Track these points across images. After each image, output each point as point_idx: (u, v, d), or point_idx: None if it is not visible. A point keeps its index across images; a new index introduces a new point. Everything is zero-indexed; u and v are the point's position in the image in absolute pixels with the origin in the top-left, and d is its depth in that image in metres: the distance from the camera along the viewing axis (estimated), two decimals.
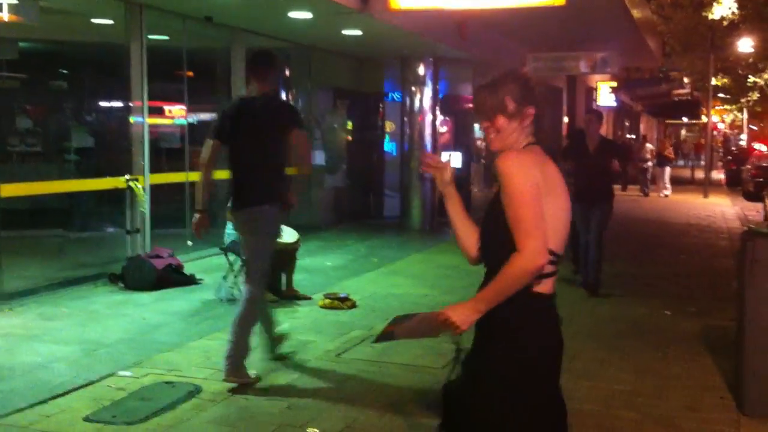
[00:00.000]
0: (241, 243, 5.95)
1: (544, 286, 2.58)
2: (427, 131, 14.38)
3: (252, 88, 5.62)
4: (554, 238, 2.55)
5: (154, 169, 9.82)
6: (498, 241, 2.57)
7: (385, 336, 2.86)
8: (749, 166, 23.45)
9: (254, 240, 5.49)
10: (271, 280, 7.98)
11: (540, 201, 2.50)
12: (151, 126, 9.95)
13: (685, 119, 49.41)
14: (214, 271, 8.80)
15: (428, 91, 14.37)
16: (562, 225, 2.61)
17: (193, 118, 11.64)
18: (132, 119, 9.63)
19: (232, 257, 8.00)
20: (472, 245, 2.80)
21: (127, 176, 9.22)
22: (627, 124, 37.82)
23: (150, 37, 9.73)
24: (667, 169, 23.00)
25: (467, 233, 2.84)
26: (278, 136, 5.46)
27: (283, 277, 8.15)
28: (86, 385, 5.42)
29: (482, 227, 2.74)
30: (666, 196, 22.30)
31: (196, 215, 5.59)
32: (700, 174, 27.37)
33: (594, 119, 8.90)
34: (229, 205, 5.77)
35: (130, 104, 9.63)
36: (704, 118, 30.19)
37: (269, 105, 5.58)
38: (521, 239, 2.48)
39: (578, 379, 5.49)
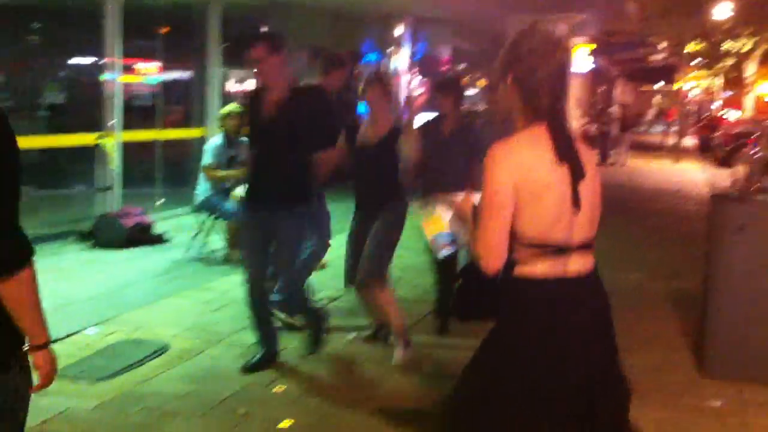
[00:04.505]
0: None
1: (527, 270, 2.46)
2: (404, 93, 14.35)
3: None
4: (532, 227, 2.43)
5: (127, 126, 9.73)
6: None
7: None
8: (720, 133, 23.59)
9: None
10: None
11: (500, 206, 2.40)
12: (123, 83, 9.84)
13: (661, 84, 49.56)
14: (184, 231, 8.76)
15: (406, 52, 14.30)
16: (550, 212, 2.44)
17: (167, 75, 11.52)
18: (105, 76, 9.51)
19: (202, 217, 7.97)
20: None
21: (98, 133, 9.14)
22: (603, 88, 37.87)
23: None
24: (629, 136, 22.60)
25: None
26: None
27: None
28: (53, 341, 5.38)
29: None
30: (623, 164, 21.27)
31: None
32: (671, 140, 27.50)
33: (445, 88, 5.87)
34: None
35: (104, 60, 9.50)
36: (678, 84, 30.30)
37: None
38: (474, 239, 2.48)
39: None
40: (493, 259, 2.43)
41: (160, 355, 5.19)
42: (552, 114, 2.47)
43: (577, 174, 2.47)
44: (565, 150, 2.45)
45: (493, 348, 2.55)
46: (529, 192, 2.40)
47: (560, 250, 2.45)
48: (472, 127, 6.14)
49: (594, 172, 2.57)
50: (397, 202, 5.27)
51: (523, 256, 2.46)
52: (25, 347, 2.19)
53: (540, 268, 2.45)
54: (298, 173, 4.92)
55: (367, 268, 5.12)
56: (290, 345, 5.46)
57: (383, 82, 5.29)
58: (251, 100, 5.13)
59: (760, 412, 4.62)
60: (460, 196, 2.87)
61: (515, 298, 2.49)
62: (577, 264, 2.51)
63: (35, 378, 2.25)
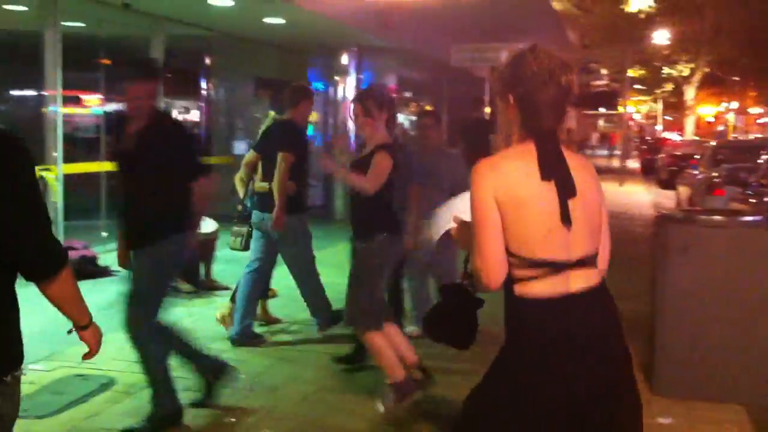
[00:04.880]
0: None
1: (527, 289, 2.43)
2: (351, 121, 14.39)
3: None
4: (522, 242, 2.41)
5: (69, 159, 9.57)
6: None
7: None
8: (663, 155, 24.13)
9: None
10: (189, 272, 7.90)
11: (486, 218, 2.40)
12: (65, 115, 9.69)
13: (603, 110, 50.53)
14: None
15: (352, 81, 14.37)
16: (538, 227, 2.41)
17: (110, 107, 11.39)
18: (45, 108, 9.36)
19: None
20: None
21: (39, 167, 8.97)
22: None
23: (65, 24, 9.47)
24: None
25: None
26: None
27: (202, 268, 8.04)
28: None
29: None
30: None
31: None
32: (615, 163, 28.04)
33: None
34: None
35: (44, 93, 9.36)
36: (621, 109, 30.94)
37: None
38: (472, 256, 2.46)
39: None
40: (492, 273, 2.41)
41: (107, 389, 5.08)
42: (546, 133, 2.47)
43: (565, 191, 2.43)
44: (551, 167, 2.42)
45: (498, 368, 2.54)
46: (510, 205, 2.39)
47: (559, 267, 2.42)
48: (403, 150, 6.11)
49: (591, 190, 2.53)
50: (377, 233, 4.74)
51: (522, 274, 2.42)
52: (71, 329, 2.52)
53: (541, 286, 2.41)
54: (157, 206, 4.50)
55: (347, 314, 4.84)
56: (243, 373, 5.40)
57: (364, 100, 5.00)
58: (114, 127, 4.70)
59: (708, 429, 4.68)
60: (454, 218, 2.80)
61: (517, 317, 2.46)
62: (580, 280, 2.47)
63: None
